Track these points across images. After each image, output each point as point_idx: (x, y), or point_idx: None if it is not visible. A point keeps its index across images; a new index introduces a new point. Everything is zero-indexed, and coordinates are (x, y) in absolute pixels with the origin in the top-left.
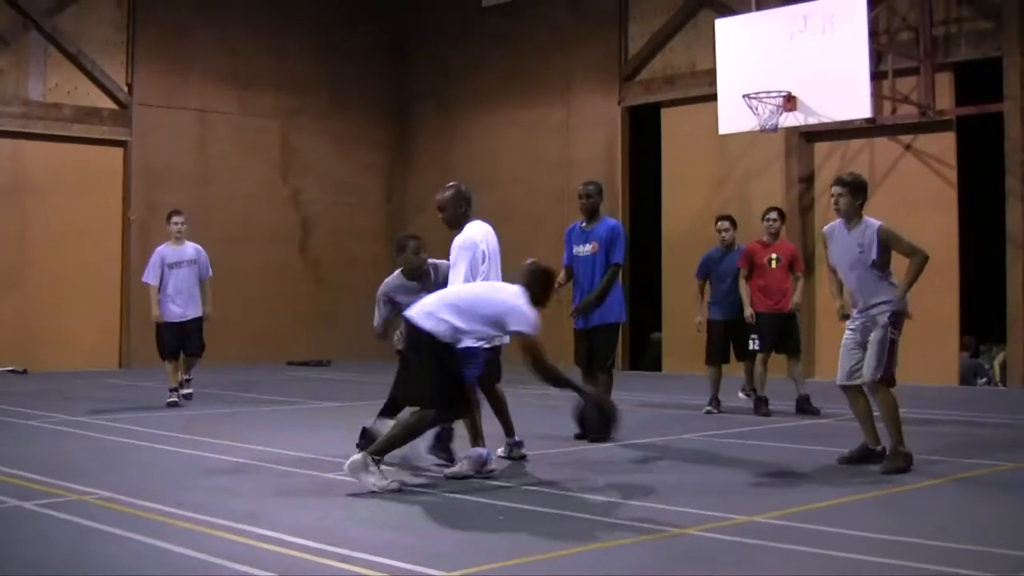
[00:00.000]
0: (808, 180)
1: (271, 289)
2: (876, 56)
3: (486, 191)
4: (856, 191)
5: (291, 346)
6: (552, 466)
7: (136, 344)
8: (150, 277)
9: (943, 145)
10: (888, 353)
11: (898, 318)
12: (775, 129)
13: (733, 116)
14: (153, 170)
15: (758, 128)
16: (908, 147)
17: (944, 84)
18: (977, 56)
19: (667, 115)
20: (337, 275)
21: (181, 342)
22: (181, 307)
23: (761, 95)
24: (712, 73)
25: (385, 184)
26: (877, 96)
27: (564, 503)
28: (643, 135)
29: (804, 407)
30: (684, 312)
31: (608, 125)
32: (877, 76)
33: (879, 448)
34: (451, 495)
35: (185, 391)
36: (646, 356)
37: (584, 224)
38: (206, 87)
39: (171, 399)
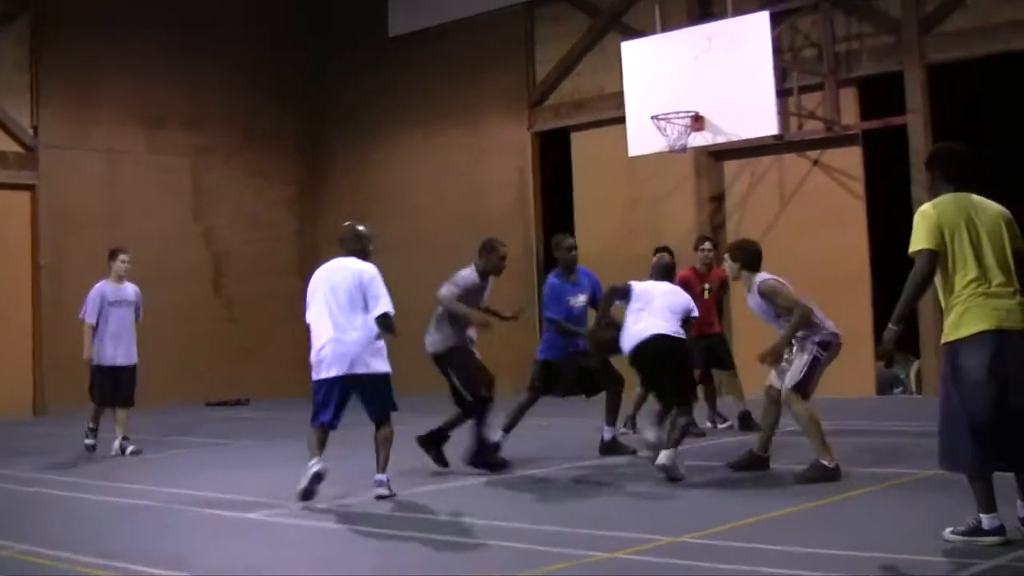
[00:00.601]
0: (719, 199)
1: (186, 329)
2: (781, 73)
3: (399, 220)
4: (737, 258)
5: (209, 386)
6: (479, 491)
7: (50, 391)
8: (88, 315)
9: (850, 159)
10: (809, 369)
11: (826, 344)
12: (684, 149)
13: (642, 138)
14: (62, 213)
15: (667, 149)
16: (816, 162)
17: (849, 99)
18: (879, 71)
19: (577, 139)
20: (252, 312)
21: (114, 389)
22: (117, 351)
23: (669, 116)
24: (620, 96)
25: (297, 218)
26: (783, 113)
27: (489, 533)
28: (554, 159)
29: (747, 422)
30: None
31: (519, 151)
32: (783, 93)
33: (765, 455)
34: (364, 531)
35: (131, 448)
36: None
37: (570, 277)
38: (114, 127)
39: (89, 440)
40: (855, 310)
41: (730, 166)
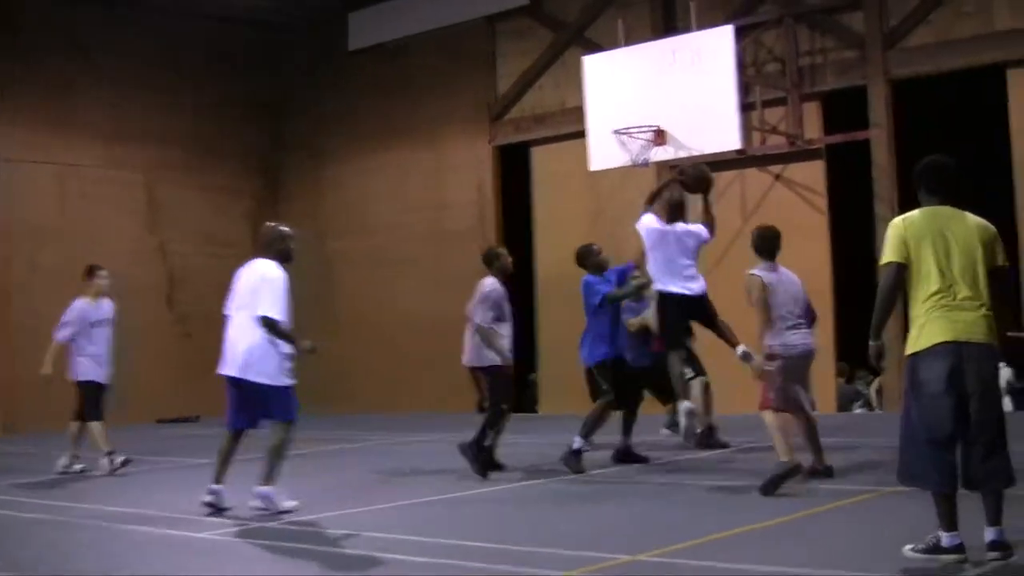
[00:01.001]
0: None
1: (139, 346)
2: (744, 88)
3: (359, 236)
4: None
5: (160, 403)
6: (444, 508)
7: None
8: (64, 335)
9: (813, 174)
10: (766, 384)
11: (770, 354)
12: (647, 164)
13: (604, 152)
14: (16, 227)
15: (629, 163)
16: (778, 177)
17: (812, 113)
18: (843, 85)
19: (537, 154)
20: (206, 327)
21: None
22: (104, 369)
23: (631, 130)
24: (582, 110)
25: (255, 234)
26: (746, 127)
27: (449, 551)
28: (515, 175)
29: (711, 440)
30: (560, 352)
31: (479, 166)
32: (746, 107)
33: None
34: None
35: (119, 458)
36: (524, 397)
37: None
38: (70, 140)
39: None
40: (817, 327)
41: None
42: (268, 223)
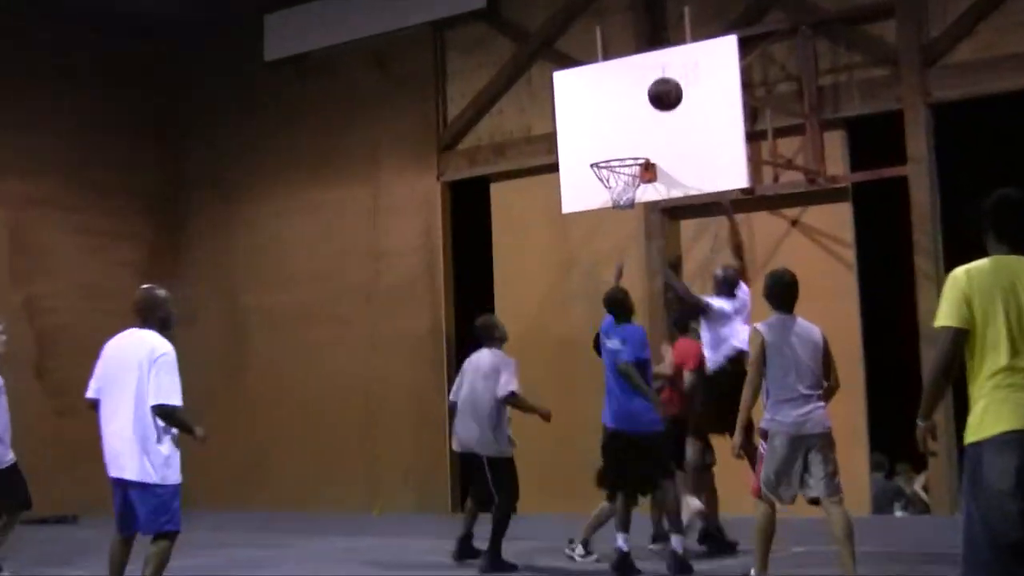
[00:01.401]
0: (674, 266)
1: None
2: (752, 113)
3: (278, 291)
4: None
5: (33, 497)
6: None
7: None
8: None
9: (837, 218)
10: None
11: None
12: (631, 205)
13: (579, 191)
14: None
15: (610, 204)
16: (795, 222)
17: (835, 144)
18: (873, 110)
19: (497, 191)
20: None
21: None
22: (5, 448)
23: (612, 164)
24: (552, 138)
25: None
26: (755, 161)
27: None
28: (469, 216)
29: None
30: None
31: (425, 205)
32: (754, 137)
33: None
34: None
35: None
36: None
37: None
38: None
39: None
40: (845, 402)
41: (688, 226)
42: (143, 286)
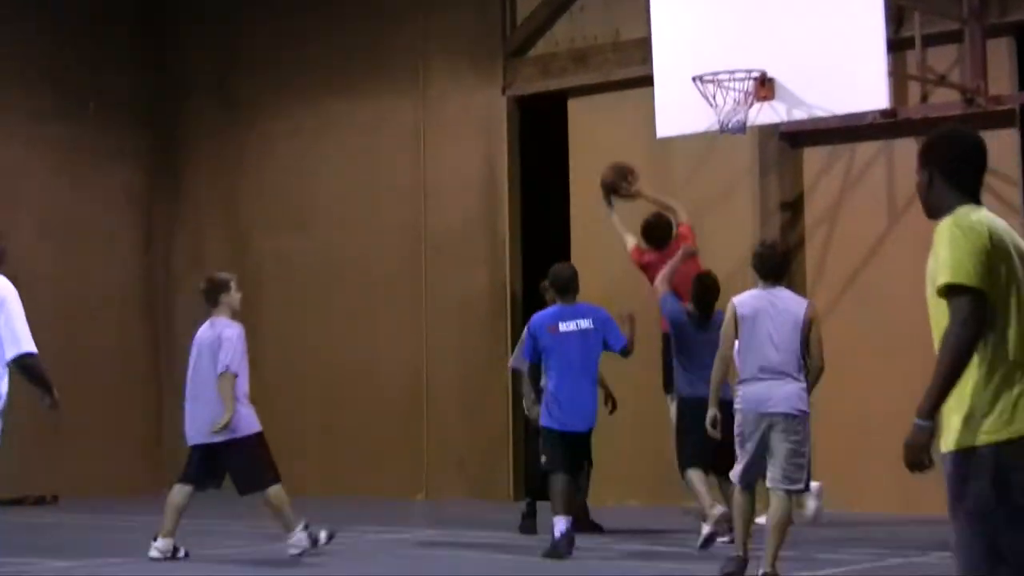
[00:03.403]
0: (794, 206)
1: None
2: (896, 15)
3: (296, 232)
4: None
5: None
6: None
7: None
8: None
9: (1001, 148)
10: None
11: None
12: (743, 129)
13: (678, 110)
14: None
15: (717, 128)
16: None
17: (1000, 56)
18: None
19: (577, 109)
20: (64, 371)
21: None
22: None
23: (720, 77)
24: (645, 45)
25: (142, 221)
26: (898, 76)
27: None
28: (541, 141)
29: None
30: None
31: (486, 126)
32: (898, 46)
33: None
34: None
35: None
36: None
37: None
38: None
39: None
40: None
41: (813, 156)
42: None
